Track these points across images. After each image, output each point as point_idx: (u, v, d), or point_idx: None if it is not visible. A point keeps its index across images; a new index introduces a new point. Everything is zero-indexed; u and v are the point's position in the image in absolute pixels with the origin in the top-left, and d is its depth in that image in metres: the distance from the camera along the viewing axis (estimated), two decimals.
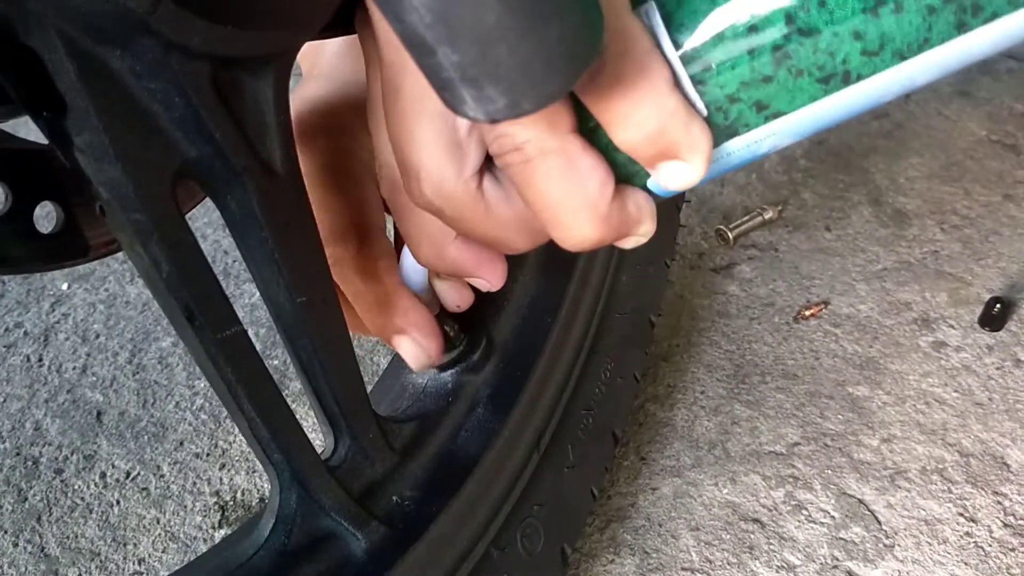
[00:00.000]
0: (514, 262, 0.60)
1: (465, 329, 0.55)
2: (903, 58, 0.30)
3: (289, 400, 0.77)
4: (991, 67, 1.10)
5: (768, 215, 0.93)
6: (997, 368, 0.75)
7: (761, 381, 0.78)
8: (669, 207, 0.77)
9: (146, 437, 0.84)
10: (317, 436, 0.50)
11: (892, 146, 1.02)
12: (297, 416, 0.43)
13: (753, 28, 0.30)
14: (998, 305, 0.77)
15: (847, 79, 0.31)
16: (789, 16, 0.30)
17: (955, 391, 0.74)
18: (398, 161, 0.36)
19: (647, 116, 0.31)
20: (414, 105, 0.34)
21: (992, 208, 0.90)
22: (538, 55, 0.27)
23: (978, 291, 0.81)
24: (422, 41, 0.26)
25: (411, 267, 0.49)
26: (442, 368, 0.54)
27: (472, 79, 0.27)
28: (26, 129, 0.41)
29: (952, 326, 0.79)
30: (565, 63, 0.28)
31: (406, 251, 0.47)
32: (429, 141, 0.34)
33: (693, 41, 0.31)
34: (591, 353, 0.64)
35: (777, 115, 0.32)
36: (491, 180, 0.36)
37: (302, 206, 0.39)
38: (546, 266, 0.60)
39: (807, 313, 0.83)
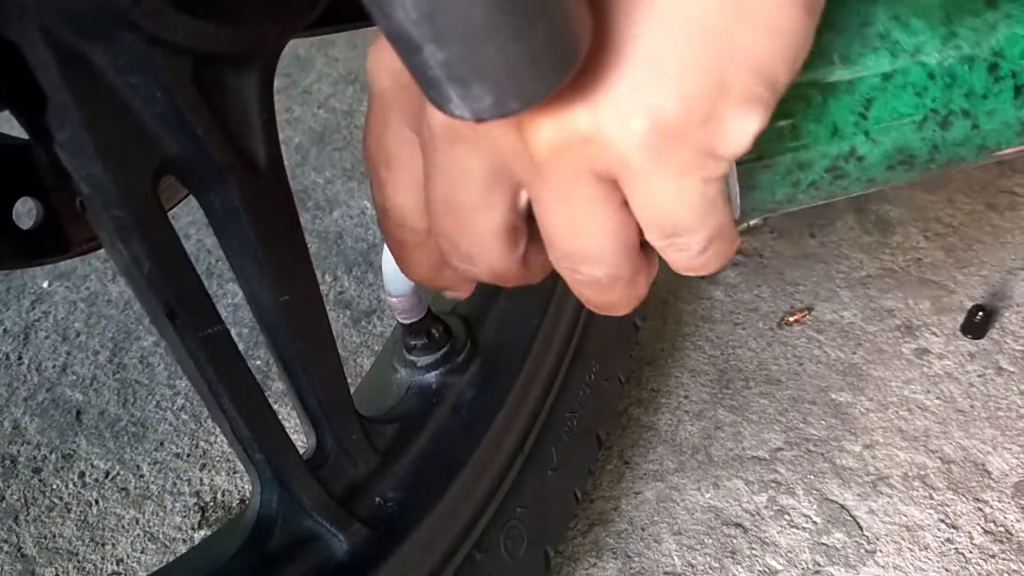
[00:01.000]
0: None
1: (450, 330, 0.55)
2: (889, 183, 0.35)
3: (272, 401, 0.76)
4: None
5: (753, 221, 0.93)
6: (979, 376, 0.75)
7: (745, 386, 0.78)
8: None
9: (126, 437, 0.83)
10: (299, 437, 0.50)
11: None
12: (280, 417, 0.42)
13: (800, 182, 0.34)
14: (980, 313, 0.78)
15: (845, 195, 0.36)
16: (831, 167, 0.33)
17: (937, 398, 0.74)
18: (443, 239, 0.35)
19: (708, 266, 0.33)
20: (478, 203, 0.33)
21: (975, 216, 0.90)
22: (526, 54, 0.27)
23: (961, 299, 0.82)
24: (408, 37, 0.26)
25: (395, 273, 0.48)
26: (426, 369, 0.54)
27: (459, 77, 0.27)
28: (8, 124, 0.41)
29: (935, 333, 0.79)
30: (553, 62, 0.28)
31: (387, 259, 0.47)
32: (488, 233, 0.33)
33: (753, 202, 0.34)
34: (576, 355, 0.64)
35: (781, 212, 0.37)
36: (534, 245, 0.35)
37: (286, 204, 0.39)
38: None
39: (791, 319, 0.83)
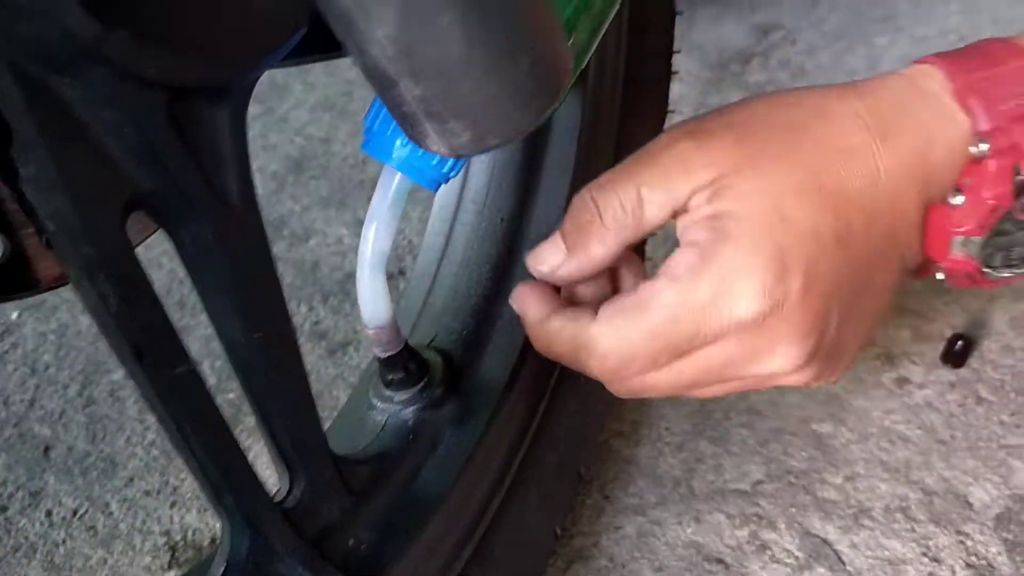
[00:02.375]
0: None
1: (427, 364, 0.54)
2: None
3: (245, 435, 0.74)
4: None
5: None
6: (959, 405, 0.75)
7: (725, 417, 0.77)
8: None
9: (95, 473, 0.81)
10: (272, 473, 0.48)
11: None
12: (253, 452, 0.41)
13: None
14: (960, 342, 0.78)
15: None
16: None
17: (918, 428, 0.74)
18: None
19: None
20: None
21: None
22: (506, 89, 0.26)
23: (940, 328, 0.82)
24: (383, 73, 0.26)
25: (373, 303, 0.47)
26: (403, 404, 0.53)
27: (435, 113, 0.27)
28: None
29: (915, 362, 0.79)
30: (534, 97, 0.27)
31: (364, 290, 0.46)
32: None
33: None
34: (556, 388, 0.63)
35: None
36: None
37: (259, 240, 0.38)
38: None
39: None
